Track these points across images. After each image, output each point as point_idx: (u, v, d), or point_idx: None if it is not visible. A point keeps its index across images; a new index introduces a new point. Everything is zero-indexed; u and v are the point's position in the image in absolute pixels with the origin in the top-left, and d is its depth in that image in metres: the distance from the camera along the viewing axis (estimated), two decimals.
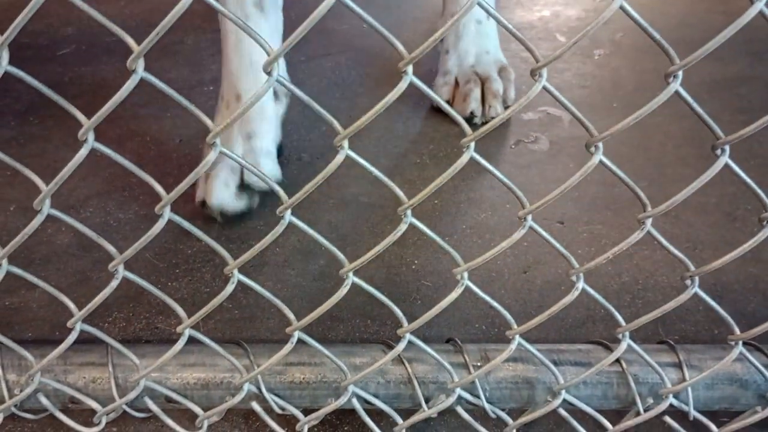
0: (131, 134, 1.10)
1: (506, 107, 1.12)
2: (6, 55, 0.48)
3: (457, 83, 1.14)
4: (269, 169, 0.92)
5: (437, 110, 1.16)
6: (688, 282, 0.56)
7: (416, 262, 0.86)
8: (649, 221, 0.53)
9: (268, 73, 0.48)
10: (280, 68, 0.87)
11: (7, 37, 0.47)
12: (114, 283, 0.54)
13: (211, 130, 0.50)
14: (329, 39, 1.36)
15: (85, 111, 0.51)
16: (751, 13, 0.46)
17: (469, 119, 1.10)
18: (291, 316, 0.56)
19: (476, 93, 1.11)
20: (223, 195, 0.89)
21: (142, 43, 0.47)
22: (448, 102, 1.13)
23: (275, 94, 0.98)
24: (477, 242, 0.89)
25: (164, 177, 1.00)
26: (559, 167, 1.03)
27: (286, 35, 0.97)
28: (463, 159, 0.51)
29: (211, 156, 0.50)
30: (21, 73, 0.48)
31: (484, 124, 1.10)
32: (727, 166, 0.52)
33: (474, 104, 1.10)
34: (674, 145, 1.06)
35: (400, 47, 0.49)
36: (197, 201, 0.92)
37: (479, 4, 0.48)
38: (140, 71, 0.48)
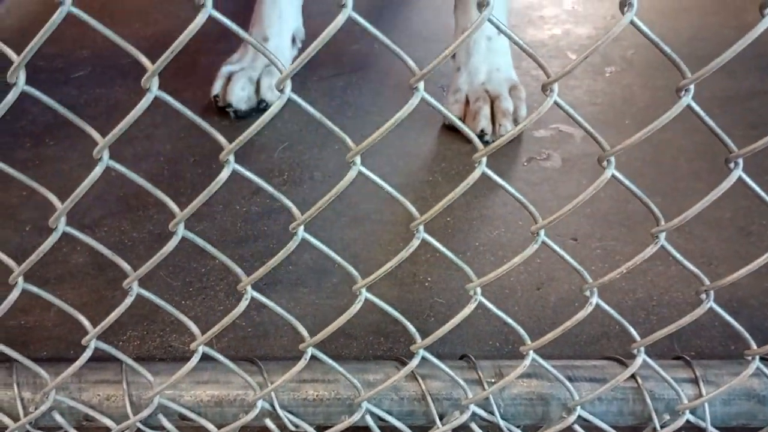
0: (145, 154, 1.11)
1: (517, 125, 1.12)
2: (23, 75, 0.49)
3: (468, 101, 1.15)
4: (275, 95, 1.17)
5: (449, 128, 1.16)
6: (704, 297, 0.56)
7: (429, 279, 0.86)
8: (662, 235, 0.53)
9: (281, 91, 0.49)
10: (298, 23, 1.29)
11: (23, 57, 0.48)
12: (128, 300, 0.55)
13: (224, 148, 0.50)
14: (341, 59, 1.37)
15: (99, 132, 0.51)
16: (762, 26, 0.46)
17: (480, 137, 1.10)
18: (304, 332, 0.57)
19: (486, 111, 1.11)
20: (240, 96, 1.18)
21: (156, 62, 0.48)
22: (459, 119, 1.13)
23: (293, 40, 1.28)
24: (490, 259, 0.89)
25: (178, 196, 1.01)
26: (571, 184, 1.03)
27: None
28: (475, 174, 0.52)
29: (224, 174, 0.51)
30: (37, 93, 0.49)
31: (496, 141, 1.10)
32: (740, 179, 0.52)
33: (484, 122, 1.10)
34: (687, 159, 1.06)
35: (411, 63, 0.50)
36: (212, 95, 1.19)
37: (490, 20, 0.48)
38: (154, 89, 0.49)
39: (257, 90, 1.20)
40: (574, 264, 0.55)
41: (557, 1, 1.61)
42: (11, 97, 0.49)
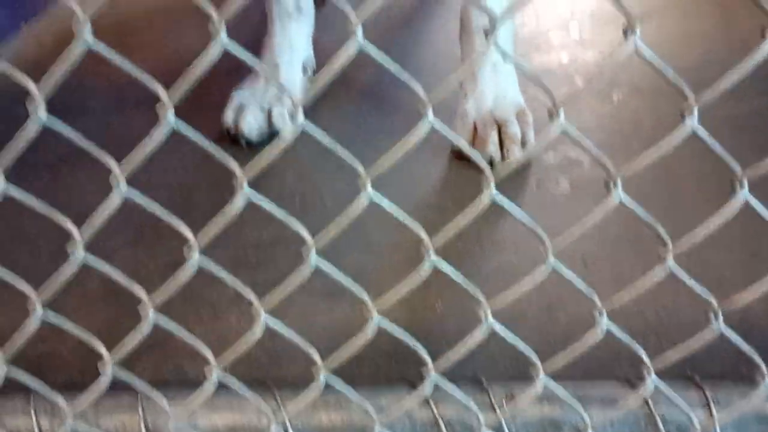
0: (158, 182, 1.13)
1: (525, 150, 1.13)
2: (43, 109, 0.51)
3: (475, 127, 1.16)
4: (287, 124, 1.22)
5: (458, 154, 1.17)
6: (712, 319, 0.56)
7: (440, 303, 0.86)
8: (670, 257, 0.54)
9: (293, 118, 0.50)
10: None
11: (44, 91, 0.50)
12: (144, 327, 0.56)
13: (237, 176, 0.52)
14: (351, 86, 1.39)
15: (116, 161, 0.52)
16: (765, 48, 0.47)
17: (489, 163, 1.11)
18: (317, 357, 0.57)
19: (494, 137, 1.12)
20: (251, 126, 1.20)
21: (173, 94, 0.49)
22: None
23: (304, 69, 1.30)
24: (501, 284, 0.89)
25: (191, 224, 1.02)
26: (581, 210, 1.03)
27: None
28: (484, 199, 0.53)
29: (239, 202, 0.52)
30: (58, 125, 0.50)
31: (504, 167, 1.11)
32: (748, 201, 0.53)
33: (492, 148, 1.11)
34: (697, 180, 1.06)
35: (419, 90, 0.51)
36: (224, 124, 1.21)
37: (496, 44, 0.49)
38: (171, 120, 0.50)
39: (269, 119, 1.22)
40: (584, 288, 0.56)
41: (563, 27, 1.62)
42: (31, 129, 0.50)
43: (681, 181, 1.07)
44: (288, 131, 0.49)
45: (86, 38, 0.48)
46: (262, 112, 1.22)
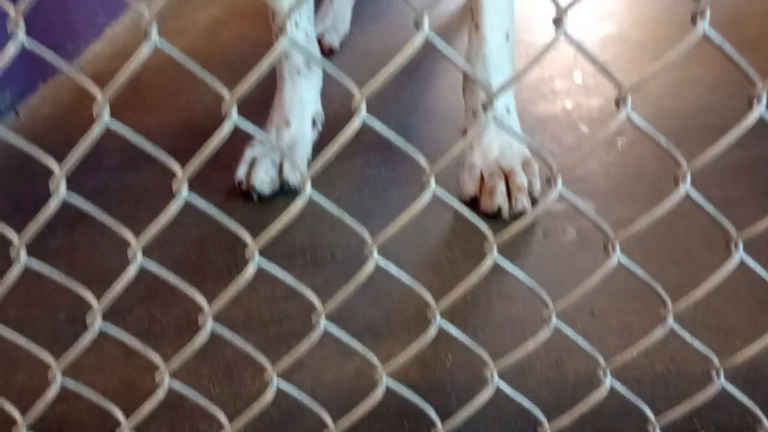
0: (172, 239, 1.15)
1: (532, 199, 1.15)
2: (63, 185, 0.53)
3: (482, 177, 1.18)
4: (297, 177, 1.23)
5: (467, 204, 1.19)
6: (714, 376, 0.57)
7: (450, 357, 0.88)
8: (670, 317, 0.55)
9: (302, 177, 0.52)
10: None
11: (64, 168, 0.52)
12: (160, 393, 0.57)
13: (249, 246, 0.54)
14: (359, 138, 1.41)
15: (129, 219, 0.55)
16: (750, 119, 0.49)
17: (497, 214, 1.13)
18: (328, 420, 0.59)
19: (501, 187, 1.14)
20: (263, 180, 1.22)
21: (187, 168, 0.52)
22: (475, 197, 1.16)
23: (313, 122, 1.32)
24: (509, 338, 0.90)
25: (205, 281, 1.04)
26: (587, 259, 1.05)
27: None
28: (488, 263, 0.54)
29: (250, 270, 0.54)
30: (80, 203, 0.52)
31: (513, 216, 1.13)
32: (743, 261, 0.54)
33: (500, 198, 1.13)
34: (701, 231, 1.07)
35: (422, 160, 0.53)
36: (236, 180, 1.23)
37: (494, 118, 0.52)
38: (184, 193, 0.53)
39: (280, 173, 1.25)
40: (587, 347, 0.57)
41: (568, 75, 1.65)
42: (52, 205, 0.53)
43: (684, 229, 1.08)
44: (297, 205, 0.51)
45: (105, 119, 0.50)
46: (273, 166, 1.24)
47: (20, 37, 0.47)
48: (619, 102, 0.50)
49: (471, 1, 1.21)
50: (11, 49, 0.47)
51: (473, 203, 1.17)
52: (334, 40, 1.72)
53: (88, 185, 1.29)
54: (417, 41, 0.46)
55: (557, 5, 0.46)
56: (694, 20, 0.45)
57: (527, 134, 1.27)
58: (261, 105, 1.34)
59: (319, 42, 1.65)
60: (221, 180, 1.29)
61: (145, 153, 1.37)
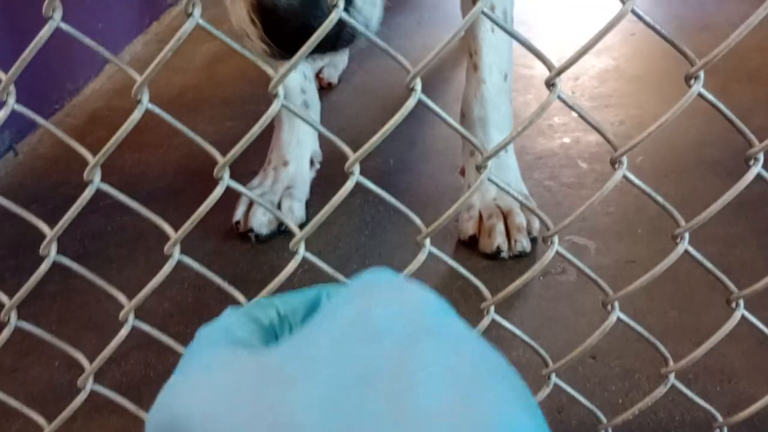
0: (170, 281, 1.14)
1: (531, 238, 1.14)
2: (54, 249, 0.52)
3: (481, 218, 1.17)
4: (299, 212, 1.25)
5: (465, 243, 1.18)
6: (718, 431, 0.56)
7: None
8: (671, 375, 0.55)
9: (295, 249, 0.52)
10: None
11: (55, 233, 0.52)
12: None
13: (243, 304, 0.53)
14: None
15: (126, 261, 0.54)
16: (745, 181, 0.49)
17: (497, 254, 1.12)
18: None
19: (500, 227, 1.14)
20: (261, 221, 1.22)
21: (180, 230, 0.51)
22: (474, 236, 1.16)
23: (311, 162, 1.33)
24: None
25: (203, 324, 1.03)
26: (588, 299, 1.04)
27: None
28: (484, 323, 0.54)
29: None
30: (75, 266, 0.52)
31: (512, 257, 1.12)
32: (744, 317, 0.54)
33: (500, 239, 1.12)
34: (702, 271, 1.06)
35: (418, 221, 0.52)
36: (234, 221, 1.23)
37: (489, 178, 0.51)
38: (176, 255, 0.52)
39: None
40: (587, 404, 0.56)
41: (566, 110, 1.65)
42: (43, 269, 0.52)
43: (686, 270, 1.07)
44: (290, 267, 0.51)
45: (96, 184, 0.50)
46: (271, 206, 1.24)
47: (11, 103, 0.47)
48: (615, 163, 0.50)
49: (469, 41, 1.21)
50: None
51: (472, 242, 1.16)
52: (332, 76, 1.73)
53: (86, 227, 1.28)
54: (410, 104, 0.46)
55: (549, 66, 0.46)
56: (688, 82, 0.45)
57: (525, 171, 1.27)
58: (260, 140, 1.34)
59: (318, 77, 1.66)
60: (219, 220, 1.29)
61: (142, 194, 1.37)
